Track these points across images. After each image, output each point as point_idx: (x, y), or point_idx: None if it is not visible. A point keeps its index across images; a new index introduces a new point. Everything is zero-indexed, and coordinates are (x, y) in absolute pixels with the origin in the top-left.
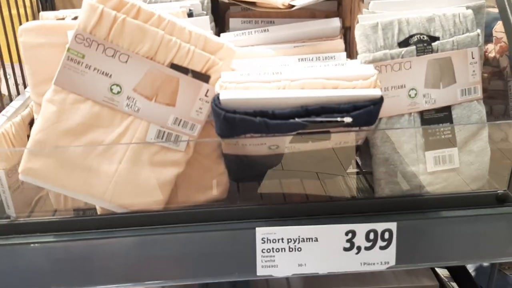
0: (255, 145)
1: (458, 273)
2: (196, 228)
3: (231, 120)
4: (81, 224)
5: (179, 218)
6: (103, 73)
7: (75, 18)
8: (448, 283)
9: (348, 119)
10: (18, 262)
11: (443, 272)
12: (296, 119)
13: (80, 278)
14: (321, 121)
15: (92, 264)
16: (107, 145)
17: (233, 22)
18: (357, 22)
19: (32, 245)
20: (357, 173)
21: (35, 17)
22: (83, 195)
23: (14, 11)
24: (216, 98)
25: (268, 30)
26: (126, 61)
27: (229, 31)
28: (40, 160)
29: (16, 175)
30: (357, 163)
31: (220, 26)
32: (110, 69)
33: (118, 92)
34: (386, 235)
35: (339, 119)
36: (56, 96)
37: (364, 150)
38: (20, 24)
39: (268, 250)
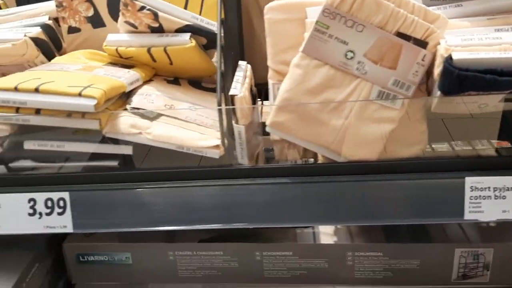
0: (469, 103)
1: None
2: (413, 176)
3: (462, 78)
4: (307, 169)
5: (391, 168)
6: (341, 41)
7: None
8: None
9: None
10: (253, 198)
11: None
12: None
13: (302, 215)
14: None
15: (316, 204)
16: (339, 102)
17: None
18: None
19: (267, 186)
20: None
21: None
22: (314, 145)
23: None
24: (449, 58)
25: (461, 5)
26: (361, 31)
27: None
28: (284, 114)
29: (248, 132)
30: None
31: None
32: (348, 37)
33: (351, 58)
34: None
35: None
36: (302, 62)
37: None
38: None
39: (476, 198)
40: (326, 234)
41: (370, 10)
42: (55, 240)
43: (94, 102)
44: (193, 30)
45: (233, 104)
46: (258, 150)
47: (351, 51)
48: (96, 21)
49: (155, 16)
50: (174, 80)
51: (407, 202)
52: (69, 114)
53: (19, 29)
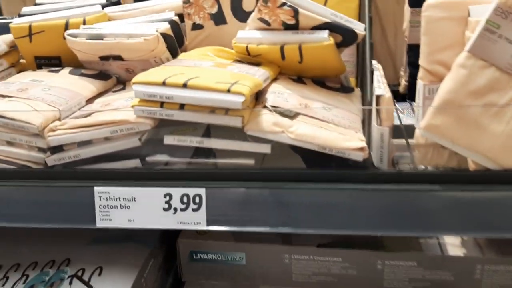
0: None
1: None
2: None
3: None
4: (457, 177)
5: None
6: (511, 42)
7: None
8: None
9: None
10: (394, 205)
11: None
12: None
13: (449, 224)
14: None
15: (467, 214)
16: (503, 106)
17: None
18: None
19: (411, 192)
20: None
21: None
22: (469, 150)
23: None
24: None
25: None
26: None
27: None
28: (442, 117)
29: (389, 135)
30: None
31: None
32: None
33: None
34: None
35: None
36: (468, 62)
37: None
38: None
39: None
40: (453, 245)
41: None
42: (166, 237)
43: (242, 98)
44: (332, 27)
45: (377, 104)
46: (393, 154)
47: None
48: (218, 18)
49: (295, 12)
50: (299, 79)
51: None
52: (213, 110)
53: (148, 24)
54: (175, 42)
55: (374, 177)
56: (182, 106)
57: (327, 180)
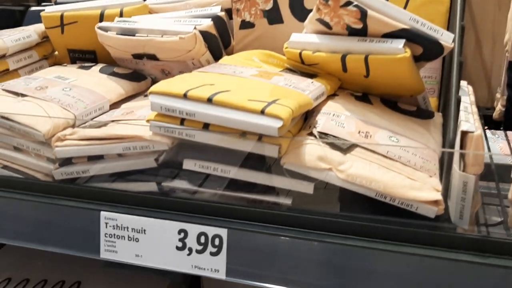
0: None
1: None
2: None
3: None
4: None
5: None
6: None
7: None
8: None
9: None
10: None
11: None
12: None
13: None
14: None
15: None
16: None
17: None
18: None
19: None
20: None
21: None
22: None
23: None
24: None
25: None
26: None
27: None
28: None
29: (476, 184)
30: None
31: None
32: None
33: None
34: None
35: None
36: None
37: None
38: None
39: None
40: None
41: None
42: None
43: (279, 124)
44: (409, 35)
45: (463, 143)
46: (477, 209)
47: None
48: (273, 16)
49: (363, 15)
50: (363, 96)
51: None
52: (243, 133)
53: (187, 20)
54: (219, 42)
55: (450, 241)
56: (206, 126)
57: (385, 237)
